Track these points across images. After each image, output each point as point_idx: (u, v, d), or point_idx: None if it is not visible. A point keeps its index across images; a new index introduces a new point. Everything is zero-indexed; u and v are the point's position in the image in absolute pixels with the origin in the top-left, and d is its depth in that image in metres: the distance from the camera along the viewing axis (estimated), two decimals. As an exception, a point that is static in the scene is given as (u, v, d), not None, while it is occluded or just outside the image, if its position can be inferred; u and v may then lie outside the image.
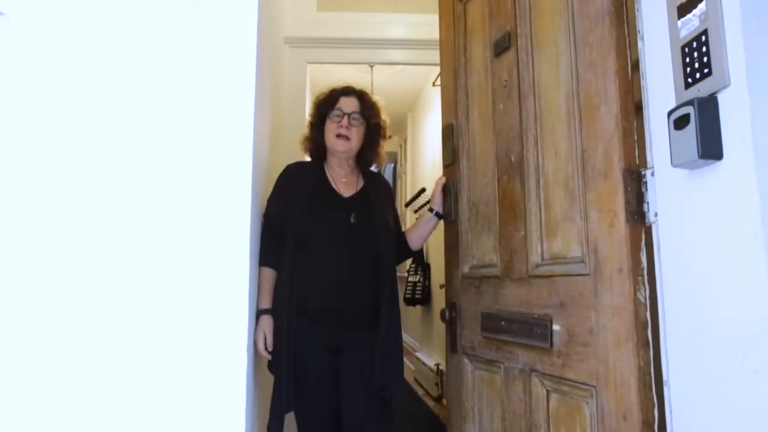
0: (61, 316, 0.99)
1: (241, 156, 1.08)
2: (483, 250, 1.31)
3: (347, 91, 1.53)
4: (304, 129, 1.63)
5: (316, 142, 1.55)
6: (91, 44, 1.06)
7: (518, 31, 1.17)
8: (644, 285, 0.84)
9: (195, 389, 1.01)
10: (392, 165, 6.72)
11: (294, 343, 1.36)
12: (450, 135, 1.46)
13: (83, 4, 1.07)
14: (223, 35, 1.09)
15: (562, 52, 1.04)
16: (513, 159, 1.17)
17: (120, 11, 1.08)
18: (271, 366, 1.40)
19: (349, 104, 1.50)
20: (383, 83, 4.48)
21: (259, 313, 1.37)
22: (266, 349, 1.35)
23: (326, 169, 1.53)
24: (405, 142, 5.89)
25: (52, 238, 1.01)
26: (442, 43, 1.53)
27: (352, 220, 1.44)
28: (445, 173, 1.51)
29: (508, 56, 1.21)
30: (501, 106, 1.23)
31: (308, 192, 1.45)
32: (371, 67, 3.78)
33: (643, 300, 0.84)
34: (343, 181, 1.52)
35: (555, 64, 1.06)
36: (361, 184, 1.55)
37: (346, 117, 1.48)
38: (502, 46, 1.22)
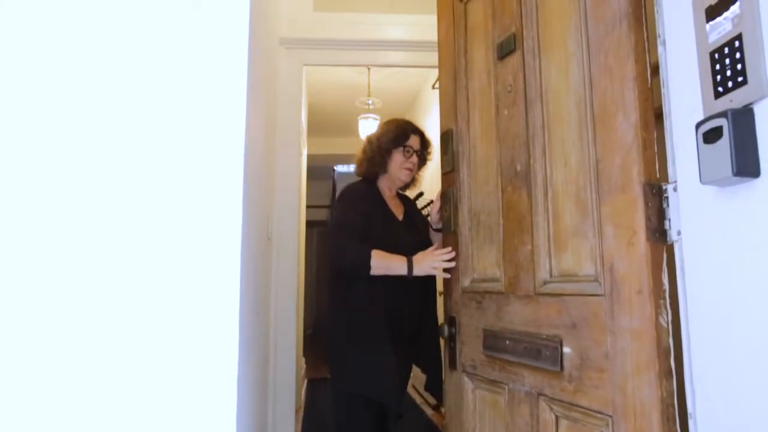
0: (50, 316, 0.98)
1: (232, 157, 1.06)
2: (485, 263, 1.24)
3: (415, 129, 1.78)
4: (301, 131, 1.71)
5: (375, 163, 1.72)
6: (82, 45, 1.06)
7: (524, 33, 1.11)
8: (666, 309, 0.78)
9: (186, 392, 0.99)
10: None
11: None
12: (449, 141, 1.39)
13: (75, 5, 1.06)
14: (214, 36, 1.07)
15: (573, 55, 0.97)
16: (519, 168, 1.11)
17: (109, 12, 1.06)
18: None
19: (416, 142, 1.76)
20: (380, 84, 4.41)
21: (408, 266, 1.46)
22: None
23: (380, 191, 1.74)
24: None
25: (40, 237, 0.99)
26: (441, 45, 1.46)
27: (409, 240, 1.62)
28: (443, 180, 1.44)
29: (513, 59, 1.14)
30: (505, 111, 1.16)
31: (380, 212, 1.65)
32: (368, 68, 3.71)
33: (665, 325, 0.77)
34: (392, 204, 1.74)
35: (565, 69, 0.99)
36: (402, 207, 1.77)
37: (414, 154, 1.74)
38: (506, 49, 1.16)
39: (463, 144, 1.34)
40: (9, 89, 1.00)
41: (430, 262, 1.41)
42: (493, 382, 1.17)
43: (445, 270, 1.39)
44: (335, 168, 6.69)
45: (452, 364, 1.35)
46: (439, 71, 1.47)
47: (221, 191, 1.05)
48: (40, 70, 1.02)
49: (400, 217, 1.72)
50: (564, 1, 0.99)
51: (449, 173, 1.40)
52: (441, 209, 1.43)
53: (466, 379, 1.29)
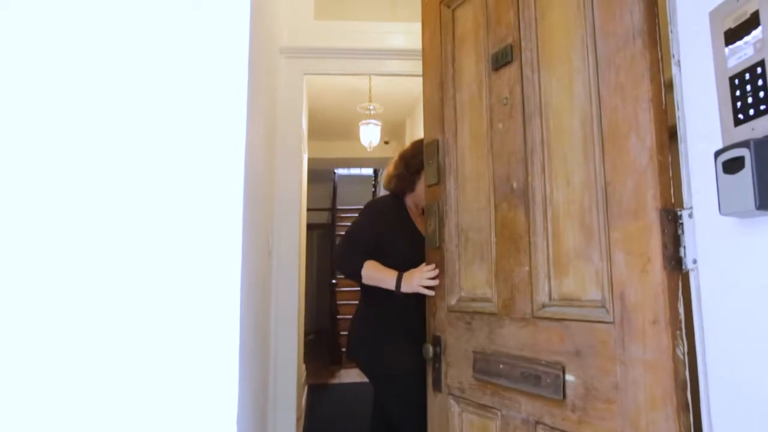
0: (47, 314, 0.96)
1: (232, 166, 1.04)
2: (474, 281, 1.19)
3: None
4: (302, 140, 1.71)
5: (403, 182, 1.74)
6: (81, 48, 1.03)
7: (522, 44, 1.07)
8: (683, 340, 0.75)
9: (187, 403, 0.98)
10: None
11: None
12: (435, 152, 1.33)
13: (70, 6, 1.03)
14: (214, 48, 1.06)
15: (578, 71, 0.94)
16: (515, 185, 1.06)
17: (110, 20, 1.04)
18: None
19: None
20: (382, 88, 4.35)
21: (397, 282, 1.48)
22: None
23: (407, 208, 1.76)
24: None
25: (38, 238, 0.98)
26: (426, 52, 1.40)
27: None
28: (428, 193, 1.37)
29: (510, 71, 1.10)
30: (500, 125, 1.12)
31: (406, 229, 1.68)
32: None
33: (682, 357, 0.75)
34: (418, 221, 1.74)
35: (568, 84, 0.96)
36: None
37: None
38: (502, 60, 1.11)
39: (450, 156, 1.29)
40: (9, 90, 1.00)
41: (418, 280, 1.34)
42: (484, 407, 1.12)
43: (431, 288, 1.33)
44: (336, 170, 6.57)
45: (436, 386, 1.29)
46: (424, 79, 1.40)
47: (221, 206, 1.04)
48: (40, 74, 1.01)
49: (425, 233, 1.77)
50: (568, 13, 0.96)
51: (434, 186, 1.34)
52: (425, 223, 1.36)
53: (452, 401, 1.23)
